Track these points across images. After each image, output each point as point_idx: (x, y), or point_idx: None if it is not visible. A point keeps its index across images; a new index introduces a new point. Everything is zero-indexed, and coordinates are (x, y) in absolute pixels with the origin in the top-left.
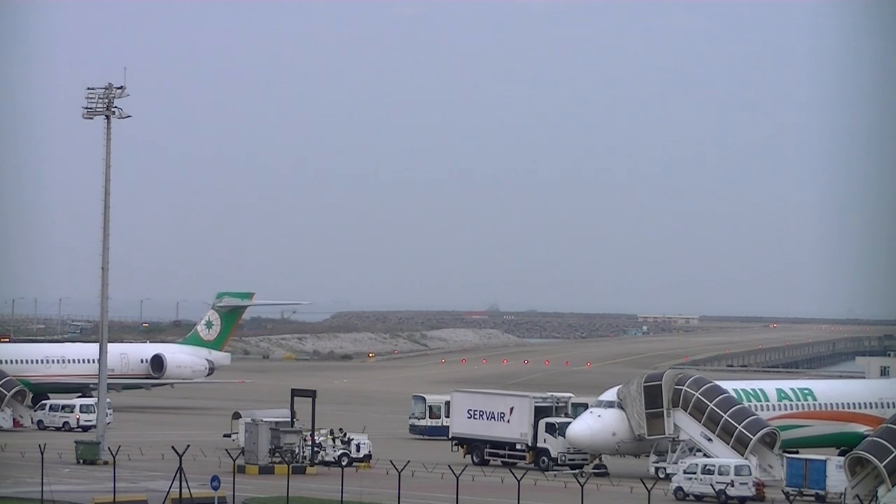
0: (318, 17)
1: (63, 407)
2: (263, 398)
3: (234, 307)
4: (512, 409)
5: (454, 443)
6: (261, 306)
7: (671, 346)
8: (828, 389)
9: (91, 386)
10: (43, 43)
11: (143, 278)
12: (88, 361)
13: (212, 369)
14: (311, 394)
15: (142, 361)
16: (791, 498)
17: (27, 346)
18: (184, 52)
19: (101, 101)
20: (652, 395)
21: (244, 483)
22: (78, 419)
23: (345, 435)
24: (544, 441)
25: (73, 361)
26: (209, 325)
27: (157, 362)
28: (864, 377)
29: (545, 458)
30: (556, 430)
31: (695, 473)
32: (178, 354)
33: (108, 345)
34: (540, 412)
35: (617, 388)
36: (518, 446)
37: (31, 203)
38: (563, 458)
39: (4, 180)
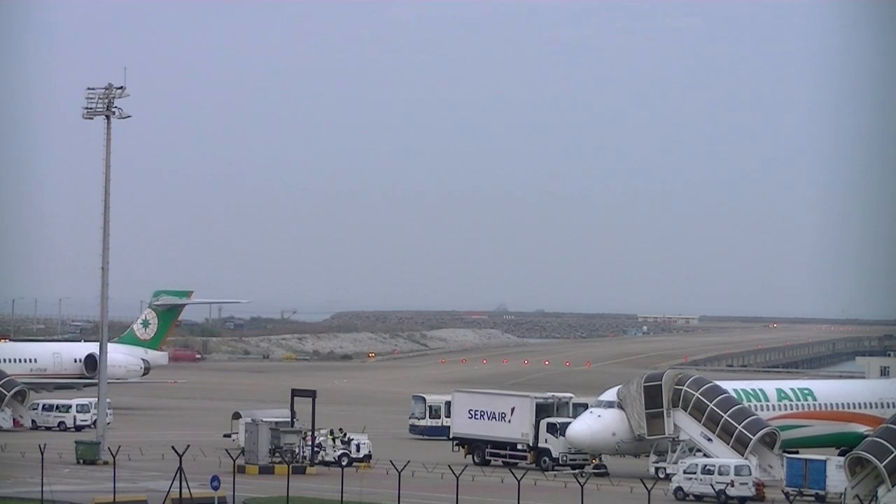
0: (317, 17)
1: (58, 406)
2: (263, 398)
3: (171, 306)
4: (513, 410)
5: (455, 443)
6: (198, 305)
7: (671, 346)
8: (828, 389)
9: None
10: (43, 43)
11: (142, 278)
12: (21, 361)
13: (147, 369)
14: (311, 394)
15: (75, 361)
16: (791, 498)
17: None
18: (184, 52)
19: (101, 101)
20: (652, 395)
21: (244, 483)
22: (75, 419)
23: (345, 435)
24: (545, 441)
25: (3, 361)
26: (145, 324)
27: (91, 362)
28: (864, 377)
29: (546, 459)
30: (558, 431)
31: (695, 473)
32: (112, 354)
33: (43, 344)
34: (541, 412)
35: (617, 388)
36: (519, 446)
37: (31, 203)
38: (565, 458)
39: (4, 180)
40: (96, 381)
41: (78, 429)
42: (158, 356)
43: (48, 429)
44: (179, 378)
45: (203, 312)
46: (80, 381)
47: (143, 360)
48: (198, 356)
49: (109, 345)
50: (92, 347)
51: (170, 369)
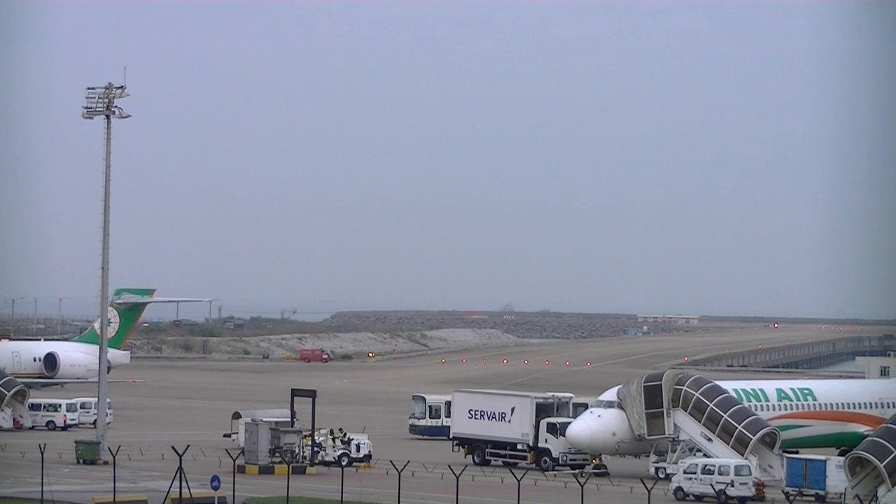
0: (317, 17)
1: (46, 406)
2: (263, 398)
3: (133, 304)
4: (513, 410)
5: (455, 443)
6: (160, 303)
7: (671, 346)
8: (828, 389)
9: None
10: (43, 43)
11: (142, 279)
12: None
13: (108, 368)
14: (311, 394)
15: (34, 360)
16: (791, 498)
17: None
18: (184, 52)
19: (101, 100)
20: (652, 395)
21: (244, 483)
22: (64, 418)
23: (345, 435)
24: (545, 441)
25: None
26: (107, 322)
27: (51, 361)
28: (864, 377)
29: (546, 459)
30: (558, 431)
31: (695, 473)
32: (72, 353)
33: (1, 343)
34: (541, 412)
35: (617, 388)
36: (519, 446)
37: (31, 203)
38: (565, 458)
39: (4, 180)
40: (55, 380)
41: (65, 428)
42: (120, 355)
43: (32, 428)
44: (138, 377)
45: (203, 312)
46: (39, 380)
47: None
48: (325, 357)
49: (68, 344)
50: (51, 346)
51: (133, 368)
